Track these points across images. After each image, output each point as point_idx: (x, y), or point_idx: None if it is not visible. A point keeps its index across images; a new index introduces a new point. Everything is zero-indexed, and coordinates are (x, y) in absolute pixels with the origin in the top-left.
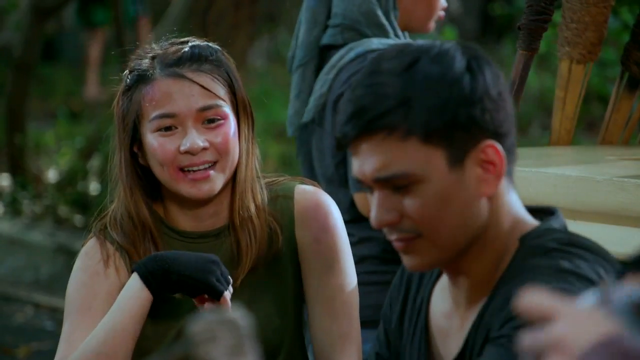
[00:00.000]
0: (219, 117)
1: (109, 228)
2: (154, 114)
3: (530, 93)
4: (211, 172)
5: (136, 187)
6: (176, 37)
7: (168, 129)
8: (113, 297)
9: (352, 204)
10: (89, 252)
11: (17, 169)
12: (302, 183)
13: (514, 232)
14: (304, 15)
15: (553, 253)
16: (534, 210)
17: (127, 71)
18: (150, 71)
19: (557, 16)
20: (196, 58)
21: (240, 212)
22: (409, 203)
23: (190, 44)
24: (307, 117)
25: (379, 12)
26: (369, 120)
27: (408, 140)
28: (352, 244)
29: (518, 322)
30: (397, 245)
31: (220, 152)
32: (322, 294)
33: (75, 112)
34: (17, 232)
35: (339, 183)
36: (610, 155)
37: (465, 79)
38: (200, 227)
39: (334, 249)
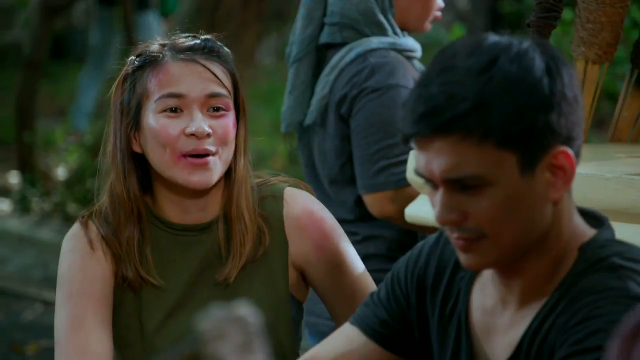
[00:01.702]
0: (223, 107)
1: (93, 217)
2: (160, 94)
3: None
4: (210, 159)
5: (131, 171)
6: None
7: (174, 110)
8: (107, 282)
9: (357, 203)
10: (76, 234)
11: (26, 167)
12: (292, 185)
13: (572, 239)
14: (300, 12)
15: (621, 271)
16: (578, 211)
17: (132, 57)
18: (160, 55)
19: (566, 13)
20: (208, 49)
21: (235, 207)
22: (477, 204)
23: (201, 37)
24: (309, 119)
25: (377, 11)
26: (444, 122)
27: (483, 144)
28: (357, 242)
29: (588, 344)
30: (457, 243)
31: (222, 141)
32: (340, 293)
33: None
34: (26, 229)
35: (343, 183)
36: (619, 153)
37: (544, 82)
38: (187, 220)
39: (338, 251)
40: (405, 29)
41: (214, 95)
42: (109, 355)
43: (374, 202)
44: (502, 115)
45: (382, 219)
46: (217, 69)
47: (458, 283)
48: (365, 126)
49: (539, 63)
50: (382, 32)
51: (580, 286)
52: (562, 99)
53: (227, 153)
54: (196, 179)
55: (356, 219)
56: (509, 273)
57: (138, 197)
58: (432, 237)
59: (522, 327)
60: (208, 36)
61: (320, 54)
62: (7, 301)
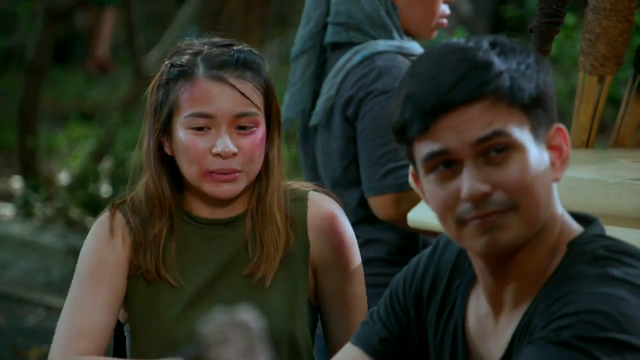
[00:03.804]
0: (251, 125)
1: (126, 206)
2: (190, 111)
3: None
4: (236, 176)
5: (163, 172)
6: (219, 36)
7: (201, 128)
8: (121, 268)
9: (359, 206)
10: (102, 220)
11: (29, 172)
12: (314, 188)
13: (562, 234)
14: (303, 11)
15: (602, 261)
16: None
17: (167, 62)
18: (192, 69)
19: (568, 19)
20: (240, 64)
21: (267, 207)
22: (506, 172)
23: (235, 47)
24: (314, 120)
25: (383, 13)
26: (479, 84)
27: (511, 108)
28: (358, 246)
29: (560, 324)
30: (484, 221)
31: (247, 160)
32: (341, 301)
33: (86, 114)
34: (28, 234)
35: (346, 185)
36: (622, 158)
37: (544, 61)
38: (214, 214)
39: (352, 261)
40: (410, 34)
41: (241, 115)
42: (105, 338)
43: (380, 205)
44: (527, 82)
45: (387, 222)
46: (247, 87)
47: (454, 291)
48: (372, 129)
49: (530, 50)
50: (388, 34)
51: (563, 277)
52: (551, 86)
53: (254, 168)
54: (222, 191)
55: (357, 222)
56: (504, 272)
57: (169, 196)
58: (427, 250)
59: (514, 326)
60: (241, 47)
61: (325, 54)
62: (10, 306)
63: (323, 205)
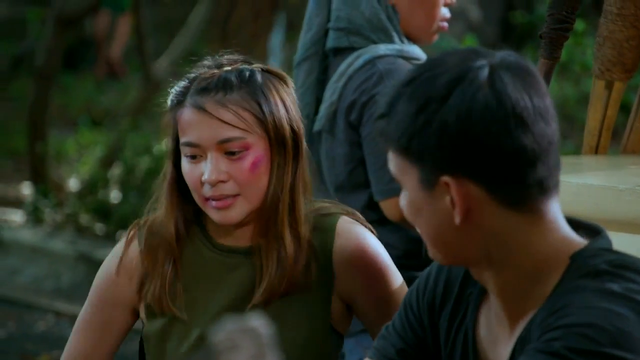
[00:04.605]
0: (240, 149)
1: (145, 230)
2: (182, 140)
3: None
4: (233, 201)
5: (176, 201)
6: (228, 53)
7: (194, 157)
8: (126, 306)
9: (366, 209)
10: (116, 253)
11: (39, 178)
12: (344, 213)
13: (557, 251)
14: (305, 17)
15: (604, 276)
16: (574, 223)
17: (173, 89)
18: (184, 96)
19: (578, 25)
20: (223, 86)
21: (271, 234)
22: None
23: (225, 68)
24: (317, 126)
25: (383, 17)
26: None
27: (390, 148)
28: None
29: (553, 335)
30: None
31: (241, 185)
32: (385, 321)
33: (96, 120)
34: (38, 240)
35: (350, 190)
36: (632, 165)
37: (439, 108)
38: (232, 242)
39: (388, 287)
40: (412, 38)
41: (225, 141)
42: None
43: (391, 207)
44: (395, 128)
45: (399, 224)
46: (228, 114)
47: (467, 299)
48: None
49: (439, 87)
50: (389, 38)
51: (565, 290)
52: (452, 129)
53: (253, 191)
54: (222, 218)
55: None
56: (489, 289)
57: (182, 227)
58: None
59: (516, 337)
60: (234, 66)
61: (326, 59)
62: (19, 312)
63: (351, 237)
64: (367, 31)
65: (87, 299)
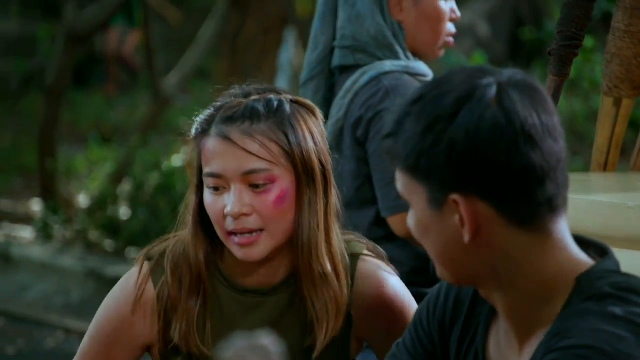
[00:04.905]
0: (265, 182)
1: (162, 264)
2: (206, 171)
3: (560, 118)
4: (257, 238)
5: (199, 232)
6: (256, 82)
7: (217, 188)
8: (137, 346)
9: (370, 227)
10: (129, 289)
11: (48, 194)
12: (365, 251)
13: (565, 271)
14: (310, 36)
15: (608, 299)
16: (581, 242)
17: (198, 117)
18: (210, 125)
19: (587, 41)
20: (250, 116)
21: (309, 276)
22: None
23: (252, 97)
24: None
25: (388, 34)
26: (381, 140)
27: (398, 168)
28: None
29: (554, 356)
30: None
31: (265, 219)
32: None
33: (105, 136)
34: (48, 257)
35: (358, 206)
36: None
37: (447, 126)
38: (253, 281)
39: (405, 322)
40: (417, 54)
41: (250, 173)
42: None
43: (399, 223)
44: (403, 148)
45: (406, 240)
46: (254, 144)
47: (477, 318)
48: None
49: (451, 104)
50: (394, 55)
51: (570, 313)
52: (462, 147)
53: (278, 226)
54: (246, 255)
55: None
56: (497, 309)
57: (203, 263)
58: None
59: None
60: (261, 95)
61: (332, 78)
62: (29, 329)
63: (372, 283)
64: (373, 48)
65: (91, 334)
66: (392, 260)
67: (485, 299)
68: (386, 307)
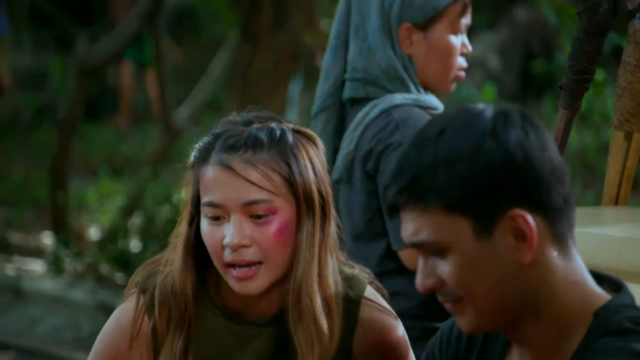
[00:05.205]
0: (266, 213)
1: (156, 293)
2: (204, 200)
3: (571, 151)
4: (256, 272)
5: (189, 264)
6: (255, 109)
7: (216, 218)
8: None
9: (381, 259)
10: (124, 325)
11: (60, 227)
12: (366, 284)
13: (584, 304)
14: (322, 68)
15: (627, 335)
16: (596, 276)
17: (195, 145)
18: (209, 153)
19: (598, 75)
20: (252, 145)
21: (296, 308)
22: (443, 269)
23: (254, 125)
24: (335, 175)
25: (399, 67)
26: (399, 189)
27: (431, 210)
28: None
29: None
30: (445, 306)
31: (265, 251)
32: None
33: (116, 169)
34: (59, 290)
35: (368, 239)
36: None
37: (486, 147)
38: (248, 312)
39: None
40: (428, 87)
41: (251, 203)
42: None
43: (410, 256)
44: (443, 182)
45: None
46: (257, 172)
47: (490, 353)
48: None
49: (484, 128)
50: (405, 88)
51: (588, 348)
52: (507, 162)
53: (278, 258)
54: (244, 289)
55: (378, 276)
56: (520, 340)
57: (191, 297)
58: None
59: None
60: (263, 125)
61: (344, 110)
62: None
63: (374, 329)
64: (384, 81)
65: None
66: (402, 294)
67: (506, 334)
68: (389, 353)
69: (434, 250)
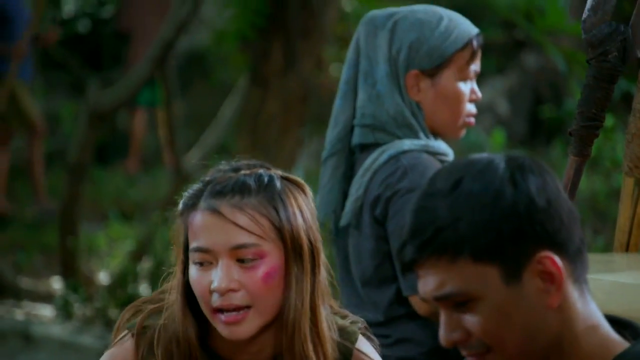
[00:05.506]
0: (254, 257)
1: (155, 342)
2: (192, 246)
3: (581, 196)
4: (244, 316)
5: (187, 312)
6: (245, 158)
7: (204, 263)
8: None
9: (389, 305)
10: (120, 358)
11: (69, 272)
12: (358, 333)
13: (603, 349)
14: (332, 114)
15: None
16: (612, 321)
17: (184, 192)
18: (198, 199)
19: (608, 120)
20: (240, 190)
21: (290, 353)
22: (470, 320)
23: (242, 172)
24: (344, 221)
25: (407, 114)
26: (420, 245)
27: (458, 261)
28: (388, 346)
29: None
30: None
31: (253, 295)
32: None
33: (126, 214)
34: (68, 335)
35: (377, 284)
36: None
37: (507, 193)
38: (243, 356)
39: None
40: (437, 133)
41: (239, 247)
42: None
43: (420, 301)
44: (468, 231)
45: (429, 318)
46: (244, 218)
47: None
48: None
49: (502, 175)
50: (414, 134)
51: None
52: (530, 206)
53: (266, 303)
54: (232, 333)
55: (388, 321)
56: None
57: (193, 340)
58: None
59: None
60: (251, 170)
61: (353, 156)
62: None
63: None
64: (392, 127)
65: None
66: (411, 340)
67: None
68: None
69: (460, 302)
